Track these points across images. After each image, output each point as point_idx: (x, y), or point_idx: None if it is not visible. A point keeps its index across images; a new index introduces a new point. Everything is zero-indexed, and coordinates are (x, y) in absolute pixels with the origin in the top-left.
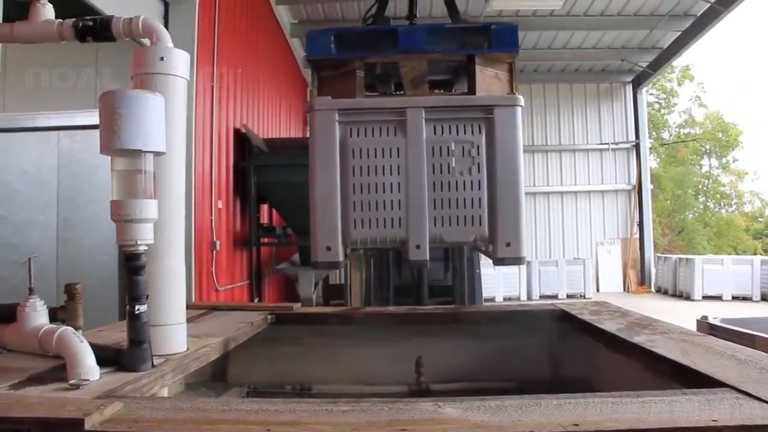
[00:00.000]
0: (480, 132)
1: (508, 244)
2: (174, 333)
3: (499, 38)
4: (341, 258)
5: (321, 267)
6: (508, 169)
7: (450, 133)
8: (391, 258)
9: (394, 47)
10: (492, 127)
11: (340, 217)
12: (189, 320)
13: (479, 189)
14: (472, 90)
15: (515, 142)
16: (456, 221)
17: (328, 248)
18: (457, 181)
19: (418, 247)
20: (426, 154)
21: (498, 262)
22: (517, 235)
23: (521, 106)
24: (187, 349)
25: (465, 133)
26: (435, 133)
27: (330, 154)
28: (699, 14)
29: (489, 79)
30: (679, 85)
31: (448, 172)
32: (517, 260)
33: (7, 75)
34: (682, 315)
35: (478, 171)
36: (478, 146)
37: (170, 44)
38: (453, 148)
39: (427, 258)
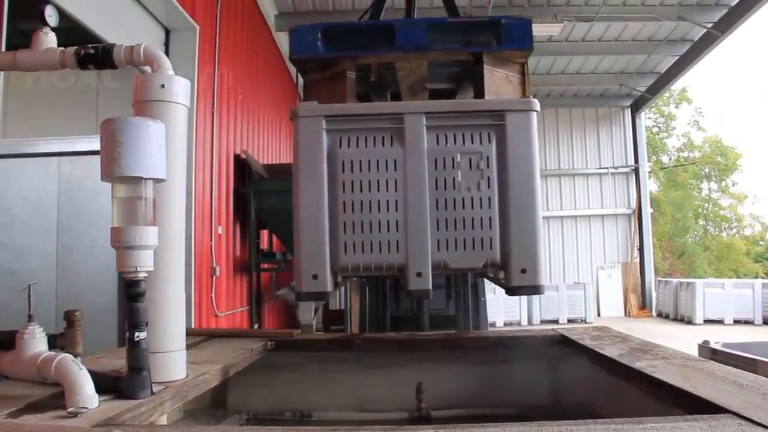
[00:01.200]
0: (490, 141)
1: (523, 271)
2: (173, 360)
3: (511, 34)
4: (329, 288)
5: (306, 298)
6: (523, 184)
7: (455, 142)
8: (388, 286)
9: (390, 45)
10: (503, 135)
11: (328, 240)
12: (188, 347)
13: (489, 207)
14: (479, 94)
15: (530, 152)
16: (463, 245)
17: (315, 276)
18: (463, 198)
19: (419, 274)
20: (427, 166)
21: (512, 291)
22: (534, 260)
23: (537, 111)
24: (187, 376)
25: (472, 142)
26: (438, 143)
27: (316, 168)
28: (696, 39)
29: (499, 81)
30: (677, 107)
31: (454, 188)
32: (534, 289)
33: (8, 92)
34: (683, 339)
35: (488, 186)
36: (487, 157)
37: (171, 72)
38: (459, 159)
39: (430, 287)
